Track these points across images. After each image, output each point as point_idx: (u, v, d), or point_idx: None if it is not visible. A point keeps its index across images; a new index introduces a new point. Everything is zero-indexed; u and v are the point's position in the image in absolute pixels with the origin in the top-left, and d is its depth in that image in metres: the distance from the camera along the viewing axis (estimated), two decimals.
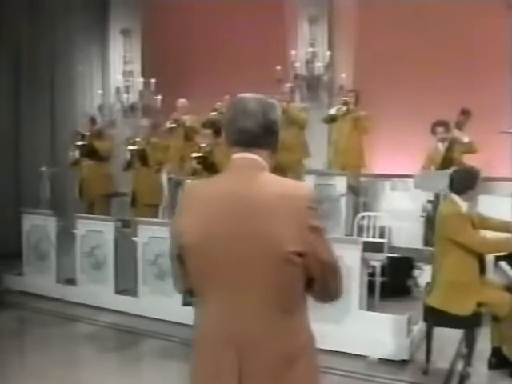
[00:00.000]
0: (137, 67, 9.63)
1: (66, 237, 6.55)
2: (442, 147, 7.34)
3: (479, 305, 4.31)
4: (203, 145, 6.22)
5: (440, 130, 7.32)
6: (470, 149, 7.16)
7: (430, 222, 6.91)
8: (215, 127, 6.43)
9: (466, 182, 4.36)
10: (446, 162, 7.21)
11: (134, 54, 9.63)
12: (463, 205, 4.35)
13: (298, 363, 1.90)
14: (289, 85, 8.10)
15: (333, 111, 7.96)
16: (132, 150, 6.70)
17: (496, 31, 8.57)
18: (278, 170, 5.99)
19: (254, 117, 1.94)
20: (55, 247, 6.58)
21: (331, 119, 7.96)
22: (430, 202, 7.29)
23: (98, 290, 6.22)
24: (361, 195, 7.74)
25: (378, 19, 9.61)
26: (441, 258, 4.40)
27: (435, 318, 4.42)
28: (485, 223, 4.49)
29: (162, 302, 5.74)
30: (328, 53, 9.94)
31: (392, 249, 6.85)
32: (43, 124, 8.93)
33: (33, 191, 8.11)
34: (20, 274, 6.96)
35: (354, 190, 7.37)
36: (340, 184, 6.94)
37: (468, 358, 4.46)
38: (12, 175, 8.65)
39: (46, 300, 6.51)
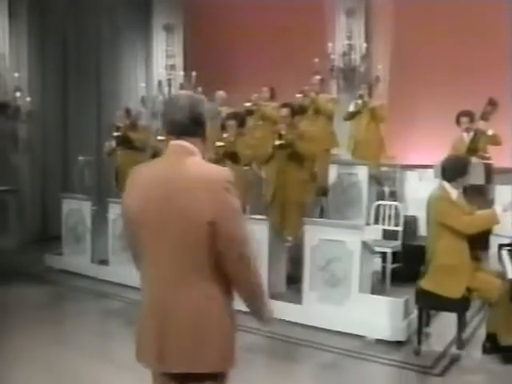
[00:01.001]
0: (179, 61, 10.08)
1: (100, 220, 7.06)
2: (466, 137, 7.36)
3: (470, 289, 4.49)
4: (226, 135, 6.53)
5: (464, 120, 7.32)
6: (494, 140, 7.18)
7: None
8: (239, 119, 6.75)
9: (456, 170, 4.54)
10: (470, 152, 7.24)
11: (176, 48, 10.09)
12: (453, 192, 4.54)
13: (209, 327, 2.20)
14: (318, 77, 8.26)
15: (351, 108, 8.12)
16: (159, 140, 7.11)
17: None
18: (304, 159, 6.30)
19: (183, 110, 2.27)
20: (90, 230, 7.11)
21: (351, 116, 8.12)
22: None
23: (127, 270, 6.65)
24: (385, 185, 7.87)
25: (413, 11, 9.76)
26: (433, 243, 4.59)
27: (427, 300, 4.61)
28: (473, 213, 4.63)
29: None
30: (364, 45, 10.10)
31: (417, 238, 7.02)
32: (90, 114, 9.54)
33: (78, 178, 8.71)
34: (59, 254, 7.56)
35: (376, 179, 7.51)
36: (361, 173, 7.09)
37: (458, 340, 4.62)
38: (60, 163, 9.29)
39: (81, 278, 7.09)
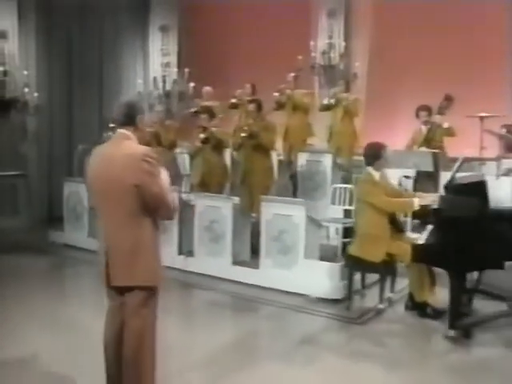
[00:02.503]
0: (173, 59, 11.06)
1: None
2: (424, 129, 8.19)
3: (389, 255, 5.42)
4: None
5: (423, 113, 8.10)
6: (449, 132, 7.96)
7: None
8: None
9: (371, 155, 5.47)
10: (425, 143, 8.14)
11: (171, 47, 11.06)
12: (375, 174, 5.47)
13: (141, 254, 3.21)
14: (292, 74, 9.16)
15: (325, 101, 8.93)
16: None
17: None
18: (268, 148, 7.29)
19: (121, 109, 3.29)
20: (87, 209, 8.13)
21: (324, 108, 8.93)
22: (406, 177, 8.21)
23: None
24: (354, 172, 8.75)
25: (391, 12, 10.51)
26: (358, 216, 5.55)
27: (354, 264, 5.57)
28: (395, 192, 5.55)
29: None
30: (343, 43, 10.96)
31: None
32: (92, 108, 10.55)
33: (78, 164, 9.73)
34: (62, 230, 8.64)
35: (342, 166, 8.39)
36: (326, 161, 8.00)
37: (381, 297, 5.58)
38: (65, 151, 10.33)
39: (79, 250, 8.14)
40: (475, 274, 5.51)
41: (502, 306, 5.40)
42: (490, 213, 4.75)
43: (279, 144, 9.18)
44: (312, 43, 10.79)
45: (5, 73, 9.64)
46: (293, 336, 5.12)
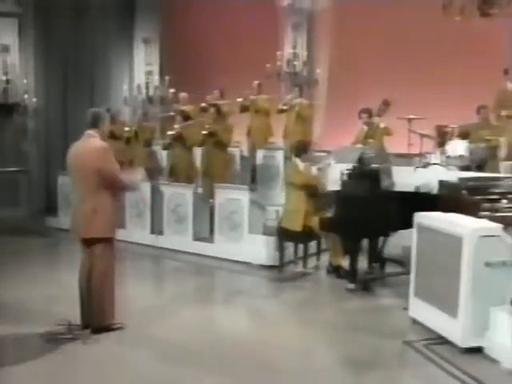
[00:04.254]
0: (155, 68, 12.55)
1: None
2: (365, 129, 9.63)
3: (308, 226, 6.86)
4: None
5: (364, 115, 9.48)
6: (386, 132, 9.40)
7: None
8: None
9: (300, 149, 6.96)
10: (366, 140, 9.59)
11: (153, 57, 12.56)
12: (300, 164, 6.95)
13: (99, 214, 4.71)
14: (256, 82, 10.63)
15: (280, 106, 10.35)
16: (128, 131, 9.62)
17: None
18: (226, 145, 8.90)
19: (88, 116, 4.79)
20: None
21: (281, 112, 10.34)
22: (347, 169, 9.64)
23: None
24: None
25: (348, 25, 11.96)
26: (286, 195, 7.03)
27: (282, 234, 7.03)
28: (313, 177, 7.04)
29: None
30: (305, 53, 12.42)
31: None
32: (84, 111, 11.86)
33: None
34: (57, 216, 10.15)
35: None
36: (279, 156, 9.45)
37: (303, 261, 7.07)
38: (60, 149, 11.79)
39: (68, 233, 9.59)
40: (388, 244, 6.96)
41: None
42: (380, 193, 6.21)
43: (244, 142, 10.72)
44: (279, 53, 12.17)
45: (7, 81, 11.16)
46: (235, 290, 6.74)
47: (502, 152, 8.92)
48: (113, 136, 10.05)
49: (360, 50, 11.89)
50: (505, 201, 5.79)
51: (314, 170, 7.07)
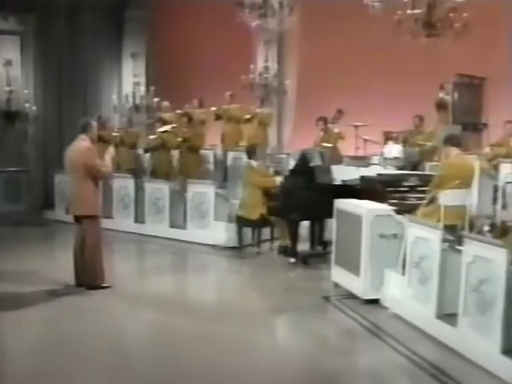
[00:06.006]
0: (141, 79, 14.12)
1: None
2: (321, 134, 11.16)
3: (262, 215, 8.42)
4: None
5: (320, 123, 11.03)
6: (339, 137, 10.95)
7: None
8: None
9: (252, 152, 8.51)
10: (322, 144, 11.11)
11: (140, 70, 14.14)
12: (254, 163, 8.50)
13: (86, 197, 6.31)
14: (229, 93, 12.17)
15: (245, 116, 11.85)
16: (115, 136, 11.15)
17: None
18: (198, 149, 10.55)
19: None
20: None
21: (246, 121, 11.86)
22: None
23: None
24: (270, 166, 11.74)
25: (315, 41, 13.39)
26: (243, 193, 8.56)
27: (240, 221, 8.58)
28: (266, 175, 8.57)
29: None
30: (276, 66, 13.97)
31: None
32: (78, 117, 13.35)
33: None
34: (53, 209, 11.67)
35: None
36: (244, 158, 10.94)
37: (258, 243, 8.61)
38: (58, 152, 13.28)
39: (65, 224, 10.95)
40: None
41: None
42: (315, 186, 7.76)
43: (219, 145, 12.24)
44: (252, 66, 13.59)
45: (10, 91, 12.68)
46: (203, 264, 8.38)
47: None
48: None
49: (324, 64, 13.34)
50: (411, 193, 7.36)
51: (268, 168, 8.61)
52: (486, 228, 6.40)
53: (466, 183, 6.35)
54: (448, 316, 5.22)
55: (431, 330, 5.34)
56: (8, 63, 12.69)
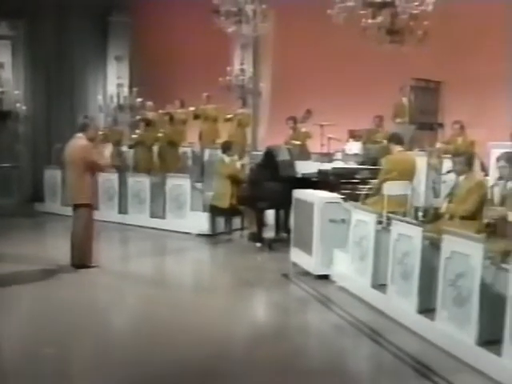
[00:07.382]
0: (125, 81, 15.05)
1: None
2: (291, 133, 12.15)
3: (232, 204, 9.40)
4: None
5: (290, 122, 12.00)
6: (307, 135, 11.94)
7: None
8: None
9: (226, 148, 9.51)
10: (292, 141, 12.09)
11: (124, 72, 15.08)
12: (226, 158, 9.49)
13: (82, 188, 7.30)
14: (206, 94, 13.13)
15: (226, 116, 12.81)
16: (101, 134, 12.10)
17: None
18: (177, 145, 11.59)
19: (78, 124, 7.43)
20: (60, 187, 12.06)
21: (226, 120, 12.85)
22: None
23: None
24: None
25: (289, 44, 14.31)
26: (216, 185, 9.55)
27: (213, 210, 9.57)
28: (236, 169, 9.55)
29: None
30: (251, 69, 14.94)
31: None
32: (65, 117, 14.38)
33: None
34: (43, 202, 12.61)
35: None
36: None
37: (228, 231, 9.61)
38: (46, 149, 14.22)
39: (54, 215, 12.05)
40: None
41: None
42: (277, 178, 8.76)
43: (197, 142, 13.21)
44: (228, 68, 14.53)
45: (2, 92, 13.56)
46: (180, 248, 9.34)
47: None
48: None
49: (295, 67, 14.28)
50: (361, 185, 8.39)
51: (238, 162, 9.61)
52: (420, 214, 7.51)
53: (405, 175, 7.43)
54: (381, 286, 6.27)
55: (367, 297, 6.39)
56: (0, 66, 13.57)
